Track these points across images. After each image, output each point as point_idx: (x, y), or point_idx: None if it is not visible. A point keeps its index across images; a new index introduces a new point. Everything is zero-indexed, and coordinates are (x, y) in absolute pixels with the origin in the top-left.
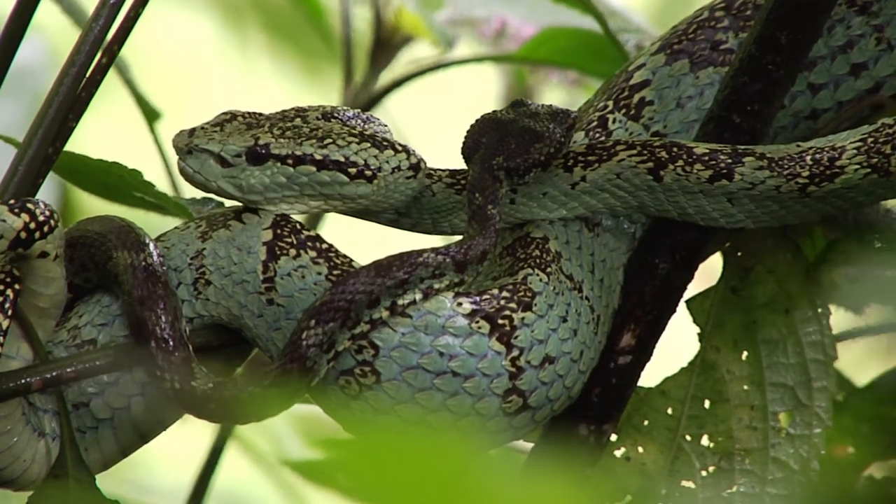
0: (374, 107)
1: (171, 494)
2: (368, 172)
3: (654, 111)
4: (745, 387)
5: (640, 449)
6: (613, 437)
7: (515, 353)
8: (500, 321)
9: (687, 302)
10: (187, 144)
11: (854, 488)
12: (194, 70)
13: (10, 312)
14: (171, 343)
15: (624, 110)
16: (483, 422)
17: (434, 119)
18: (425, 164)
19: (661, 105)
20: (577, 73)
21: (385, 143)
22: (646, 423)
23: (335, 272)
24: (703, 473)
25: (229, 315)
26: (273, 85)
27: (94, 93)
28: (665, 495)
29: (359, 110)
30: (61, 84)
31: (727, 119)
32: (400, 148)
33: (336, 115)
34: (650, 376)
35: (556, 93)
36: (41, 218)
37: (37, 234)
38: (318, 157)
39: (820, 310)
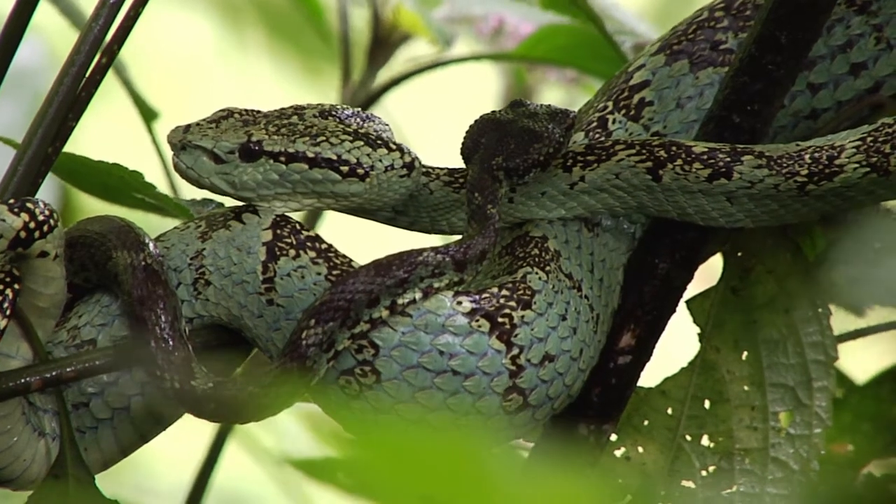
0: (373, 105)
1: (170, 494)
2: (361, 171)
3: (653, 112)
4: (746, 387)
5: (640, 449)
6: (613, 437)
7: (515, 351)
8: (499, 319)
9: (687, 302)
10: (181, 140)
11: (853, 486)
12: (194, 70)
13: (9, 312)
14: (170, 343)
15: (624, 111)
16: (483, 420)
17: (432, 117)
18: (420, 162)
19: (661, 105)
20: (575, 71)
21: (379, 142)
22: (646, 423)
23: (335, 272)
24: (703, 473)
25: (229, 315)
26: (272, 85)
27: (94, 93)
28: (665, 495)
29: (358, 109)
30: (61, 84)
31: (727, 119)
32: (394, 147)
33: (334, 113)
34: (650, 376)
35: (555, 91)
36: (41, 217)
37: (36, 234)
38: (310, 154)
39: (820, 310)
